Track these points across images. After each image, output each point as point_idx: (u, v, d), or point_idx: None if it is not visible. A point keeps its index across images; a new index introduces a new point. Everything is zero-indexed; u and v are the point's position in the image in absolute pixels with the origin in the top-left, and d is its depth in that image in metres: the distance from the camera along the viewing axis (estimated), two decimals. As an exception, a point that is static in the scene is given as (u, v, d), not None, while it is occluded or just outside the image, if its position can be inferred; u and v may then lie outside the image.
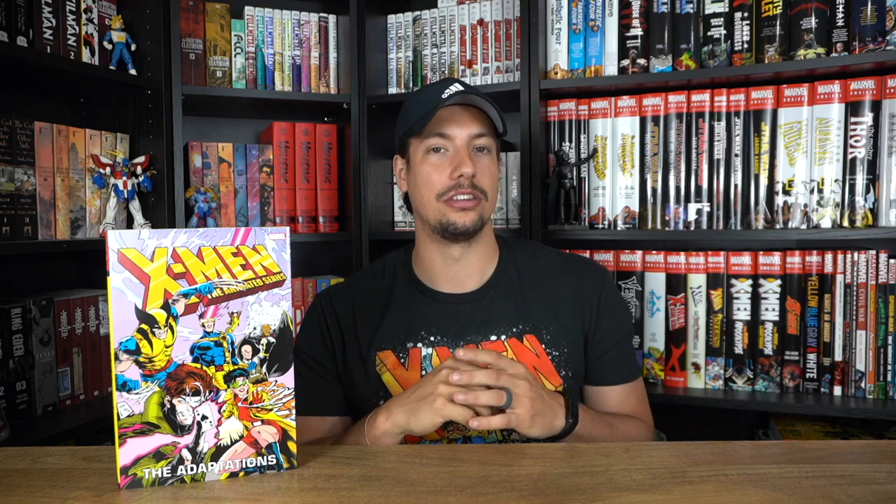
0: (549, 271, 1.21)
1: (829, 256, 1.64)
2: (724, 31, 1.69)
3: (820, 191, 1.64)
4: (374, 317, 1.18)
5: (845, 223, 1.62)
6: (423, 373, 1.12)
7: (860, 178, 1.61)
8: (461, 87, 1.12)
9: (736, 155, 1.70)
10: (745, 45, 1.68)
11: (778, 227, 1.67)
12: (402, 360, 1.14)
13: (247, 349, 0.79)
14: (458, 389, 0.92)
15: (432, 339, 1.14)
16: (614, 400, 1.19)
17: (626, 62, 1.76)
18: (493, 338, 1.14)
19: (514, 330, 1.15)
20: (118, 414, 0.75)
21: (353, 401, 1.18)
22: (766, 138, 1.67)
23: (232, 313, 0.78)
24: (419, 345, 1.14)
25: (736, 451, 0.87)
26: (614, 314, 1.20)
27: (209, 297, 0.77)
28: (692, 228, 1.73)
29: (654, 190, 1.76)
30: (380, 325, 1.17)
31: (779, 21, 1.64)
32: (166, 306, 0.75)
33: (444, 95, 1.11)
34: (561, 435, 1.00)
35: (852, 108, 1.61)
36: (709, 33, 1.70)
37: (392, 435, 0.98)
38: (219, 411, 0.78)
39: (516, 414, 0.94)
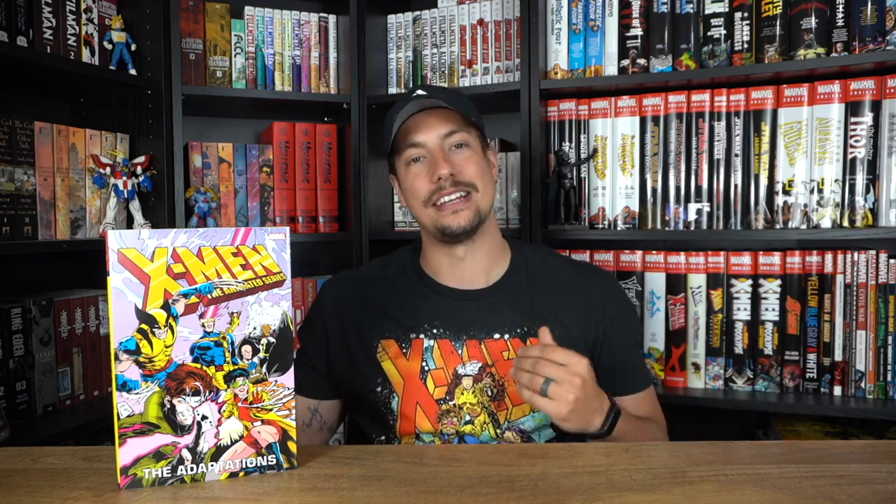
0: (560, 277, 1.22)
1: (829, 256, 1.64)
2: (724, 31, 1.69)
3: (820, 191, 1.64)
4: (379, 305, 1.19)
5: (845, 223, 1.62)
6: (423, 364, 1.14)
7: (860, 178, 1.61)
8: (423, 93, 1.15)
9: (736, 155, 1.70)
10: (745, 45, 1.68)
11: (778, 227, 1.67)
12: (403, 350, 1.15)
13: (247, 349, 0.79)
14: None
15: (435, 331, 1.15)
16: (627, 407, 1.17)
17: (626, 62, 1.76)
18: (497, 336, 1.15)
19: (519, 331, 1.15)
20: (118, 414, 0.75)
21: (350, 385, 1.19)
22: (766, 138, 1.67)
23: (232, 313, 0.78)
24: (422, 336, 1.15)
25: (736, 451, 0.87)
26: (624, 324, 1.21)
27: (209, 297, 0.77)
28: (692, 228, 1.73)
29: (654, 190, 1.76)
30: (384, 313, 1.18)
31: (779, 21, 1.64)
32: (166, 306, 0.75)
33: (405, 108, 1.14)
34: (594, 437, 1.00)
35: (852, 108, 1.61)
36: (709, 33, 1.70)
37: None
38: (219, 411, 0.78)
39: (550, 402, 0.93)
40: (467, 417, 1.11)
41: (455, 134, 1.15)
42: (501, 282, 1.20)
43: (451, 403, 1.11)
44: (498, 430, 1.11)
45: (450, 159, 1.13)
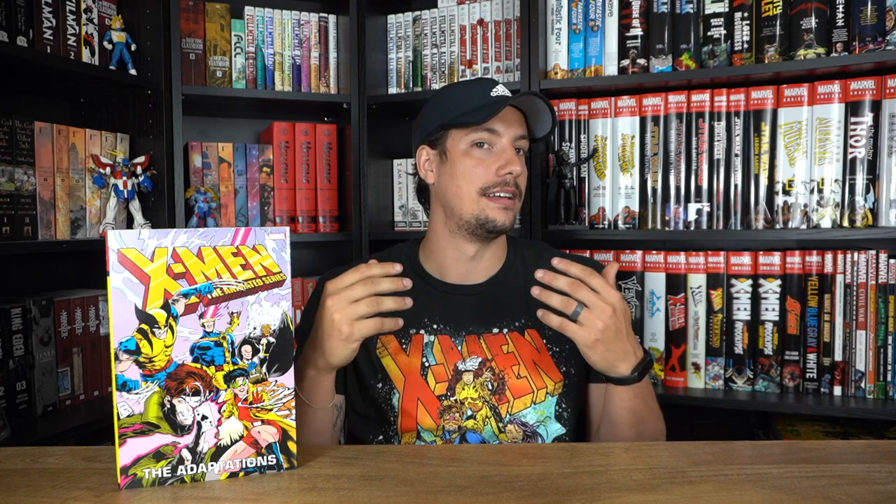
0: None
1: (829, 256, 1.64)
2: (724, 31, 1.69)
3: (820, 191, 1.64)
4: None
5: (845, 223, 1.62)
6: (424, 359, 1.14)
7: (860, 178, 1.61)
8: (506, 90, 1.16)
9: (736, 155, 1.70)
10: (745, 45, 1.68)
11: (778, 227, 1.67)
12: (403, 346, 1.15)
13: (247, 349, 0.79)
14: (353, 312, 0.90)
15: (435, 326, 1.16)
16: (614, 398, 1.18)
17: (626, 62, 1.76)
18: (496, 330, 1.16)
19: (517, 324, 1.16)
20: (118, 414, 0.75)
21: (350, 380, 1.18)
22: (766, 138, 1.67)
23: (232, 313, 0.78)
24: (422, 331, 1.16)
25: (736, 451, 0.87)
26: None
27: (209, 297, 0.77)
28: (692, 228, 1.73)
29: (654, 190, 1.76)
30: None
31: (779, 21, 1.64)
32: (166, 306, 0.75)
33: (499, 93, 1.13)
34: (619, 381, 1.00)
35: (852, 108, 1.61)
36: (709, 33, 1.70)
37: (324, 375, 1.01)
38: (219, 411, 0.78)
39: (580, 327, 0.92)
40: (469, 412, 1.12)
41: (523, 140, 1.15)
42: (498, 276, 1.21)
43: (452, 399, 1.12)
44: (500, 424, 1.12)
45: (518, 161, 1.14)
